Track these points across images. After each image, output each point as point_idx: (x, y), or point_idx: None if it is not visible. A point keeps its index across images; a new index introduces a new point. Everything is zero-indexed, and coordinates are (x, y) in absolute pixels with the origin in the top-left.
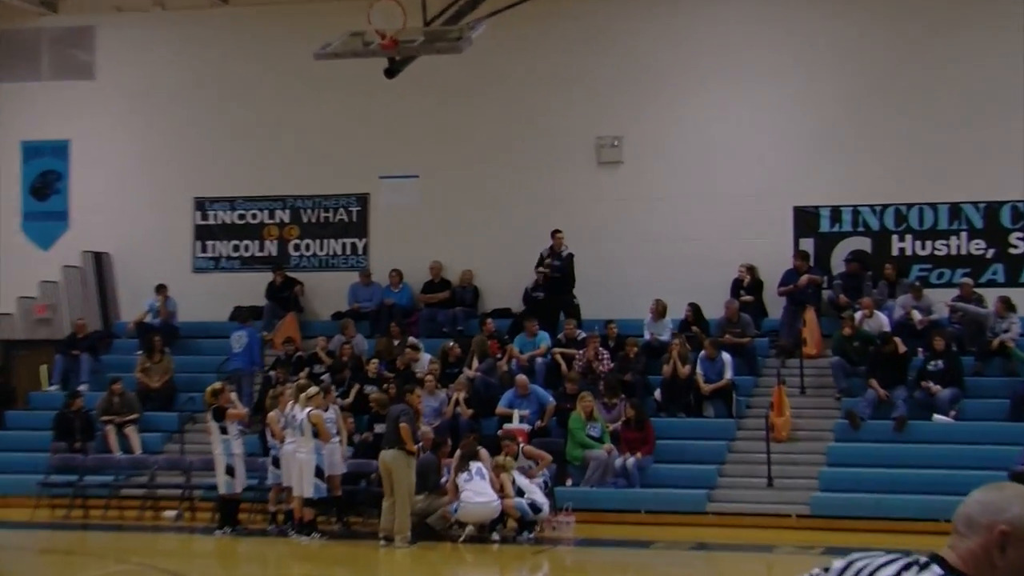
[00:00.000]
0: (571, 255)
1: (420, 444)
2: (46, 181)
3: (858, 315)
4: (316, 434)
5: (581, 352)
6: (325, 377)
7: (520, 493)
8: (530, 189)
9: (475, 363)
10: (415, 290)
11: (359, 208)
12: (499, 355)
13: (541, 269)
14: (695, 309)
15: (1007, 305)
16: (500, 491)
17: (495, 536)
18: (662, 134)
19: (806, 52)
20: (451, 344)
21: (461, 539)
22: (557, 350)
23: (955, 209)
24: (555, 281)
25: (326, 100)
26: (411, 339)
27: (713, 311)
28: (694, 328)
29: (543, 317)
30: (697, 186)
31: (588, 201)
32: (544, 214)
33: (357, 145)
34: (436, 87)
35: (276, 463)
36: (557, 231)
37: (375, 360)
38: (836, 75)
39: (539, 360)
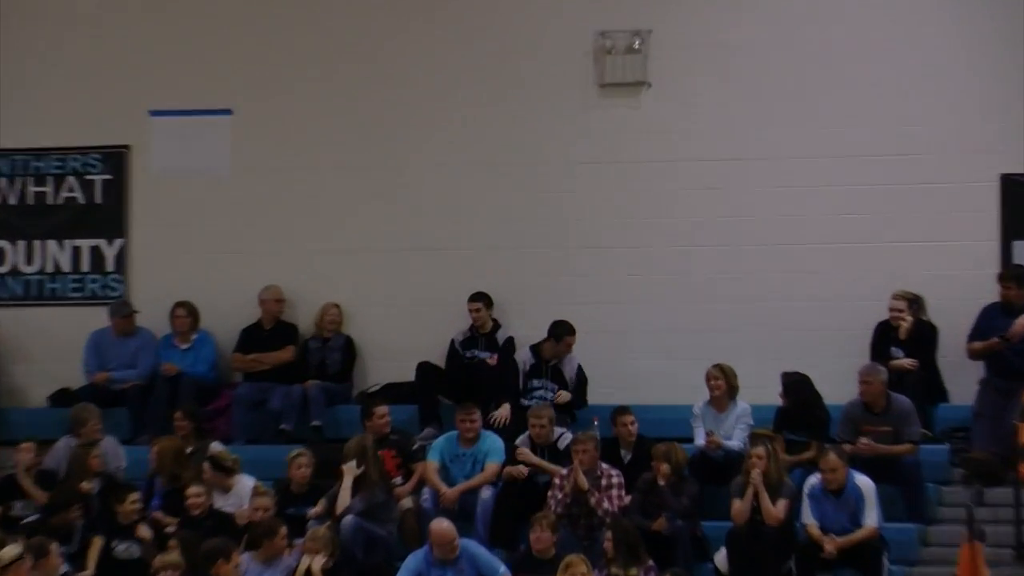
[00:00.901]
0: (582, 374)
1: None
2: None
3: None
4: None
5: (566, 471)
6: (33, 522)
7: None
8: (463, 141)
9: (348, 495)
10: (225, 346)
11: (109, 176)
12: (398, 478)
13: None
14: (798, 385)
15: None
16: None
17: None
18: (724, 33)
19: None
20: (298, 454)
21: None
22: (516, 467)
23: None
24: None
25: None
26: (215, 445)
27: (836, 388)
28: (790, 430)
29: (487, 400)
30: (797, 137)
31: (578, 165)
32: (490, 189)
33: (105, 52)
34: None
35: None
36: (565, 331)
37: (135, 495)
38: None
39: (484, 492)
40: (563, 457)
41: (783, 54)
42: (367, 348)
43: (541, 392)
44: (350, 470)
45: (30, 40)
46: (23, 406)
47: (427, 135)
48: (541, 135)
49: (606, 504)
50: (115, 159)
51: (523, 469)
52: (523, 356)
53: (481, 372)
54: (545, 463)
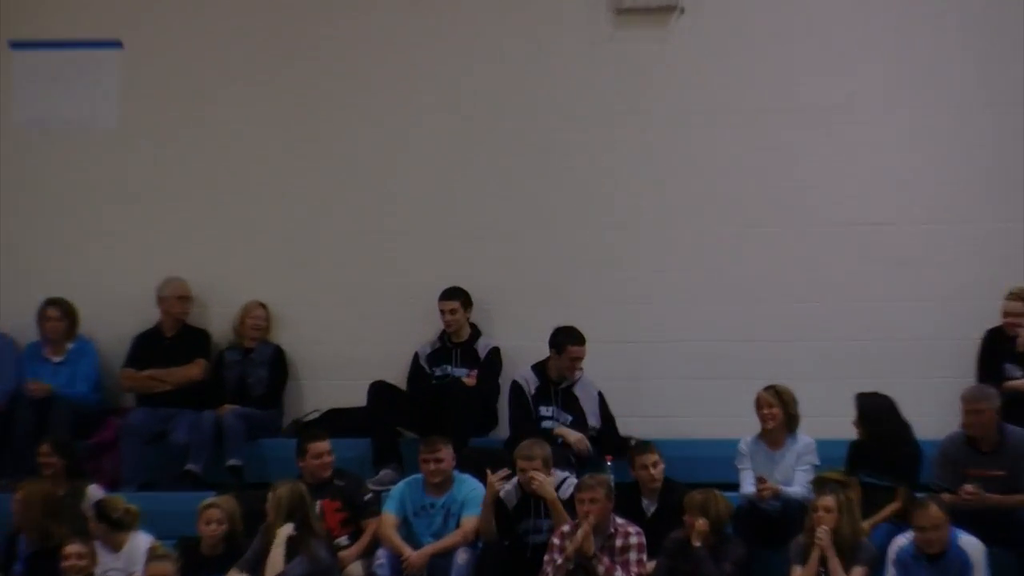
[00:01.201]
0: (605, 405)
1: None
2: None
3: None
4: None
5: (568, 527)
6: None
7: None
8: (431, 86)
9: (280, 559)
10: (112, 359)
11: None
12: (344, 538)
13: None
14: (879, 411)
15: None
16: None
17: None
18: None
19: None
20: (210, 504)
21: None
22: (497, 475)
23: None
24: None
25: None
26: (93, 489)
27: (931, 417)
28: (869, 473)
29: (463, 431)
30: (877, 81)
31: (585, 118)
32: (468, 152)
33: None
34: None
35: None
36: (570, 340)
37: None
38: None
39: (460, 556)
40: (567, 506)
41: None
42: (302, 362)
43: (551, 423)
44: (286, 532)
45: None
46: None
47: (384, 77)
48: (537, 79)
49: (619, 573)
50: None
51: (501, 476)
52: (525, 376)
53: (455, 395)
54: (560, 506)
